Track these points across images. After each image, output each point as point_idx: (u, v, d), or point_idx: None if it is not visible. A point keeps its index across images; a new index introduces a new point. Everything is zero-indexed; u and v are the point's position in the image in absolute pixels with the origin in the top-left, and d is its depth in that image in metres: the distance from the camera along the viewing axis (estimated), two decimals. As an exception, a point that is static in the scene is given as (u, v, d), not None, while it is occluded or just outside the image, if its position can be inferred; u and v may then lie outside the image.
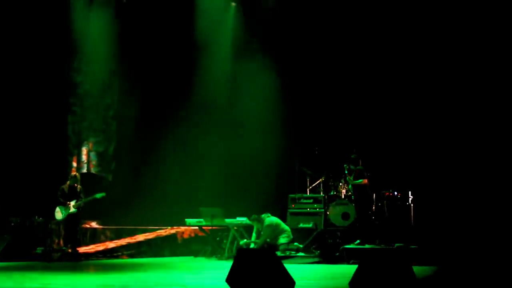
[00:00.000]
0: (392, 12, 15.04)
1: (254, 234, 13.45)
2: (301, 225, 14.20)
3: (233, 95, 16.62)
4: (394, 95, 15.16)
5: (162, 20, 16.51)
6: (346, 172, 13.38)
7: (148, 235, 14.62)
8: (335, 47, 15.73)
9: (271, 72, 16.00)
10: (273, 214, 13.58)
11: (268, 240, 13.18)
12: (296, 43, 16.10)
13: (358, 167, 12.97)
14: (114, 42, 16.59)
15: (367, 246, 12.39)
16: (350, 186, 13.53)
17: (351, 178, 13.06)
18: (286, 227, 13.48)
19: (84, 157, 16.84)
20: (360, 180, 12.89)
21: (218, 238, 14.06)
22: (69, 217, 13.21)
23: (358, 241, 12.72)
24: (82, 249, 13.66)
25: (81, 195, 13.40)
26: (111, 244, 14.21)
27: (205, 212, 13.61)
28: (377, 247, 12.25)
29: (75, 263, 12.55)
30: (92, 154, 16.93)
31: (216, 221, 13.57)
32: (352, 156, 13.15)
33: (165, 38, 16.62)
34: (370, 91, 15.45)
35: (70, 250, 13.12)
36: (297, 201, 14.56)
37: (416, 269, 6.95)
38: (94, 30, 16.49)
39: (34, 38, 15.50)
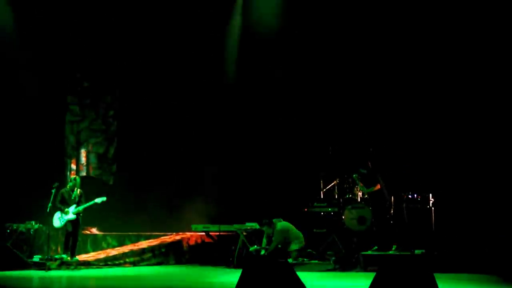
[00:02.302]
0: (412, 7, 15.17)
1: (264, 240, 13.54)
2: (314, 230, 14.33)
3: (243, 92, 16.77)
4: (412, 91, 15.16)
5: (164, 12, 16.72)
6: (357, 182, 13.63)
7: (152, 241, 14.69)
8: (351, 41, 15.80)
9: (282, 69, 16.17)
10: (285, 219, 13.69)
11: (279, 246, 13.27)
12: (307, 39, 16.20)
13: (367, 172, 13.16)
14: (115, 36, 16.80)
15: (385, 252, 12.50)
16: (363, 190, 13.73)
17: (363, 186, 13.31)
18: (299, 233, 13.57)
19: (83, 160, 17.00)
20: (371, 188, 13.17)
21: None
22: (68, 224, 13.45)
23: (375, 247, 12.83)
24: (82, 257, 13.83)
25: (82, 200, 13.60)
26: (112, 252, 14.32)
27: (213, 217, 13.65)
28: (396, 253, 12.35)
29: (74, 271, 12.75)
30: (92, 156, 17.07)
31: (224, 227, 13.72)
32: (362, 171, 13.36)
33: (171, 33, 16.81)
34: (387, 87, 15.47)
35: (69, 258, 13.32)
36: (310, 205, 14.69)
37: (437, 276, 7.01)
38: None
39: (29, 30, 15.70)
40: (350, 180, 14.52)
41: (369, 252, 12.59)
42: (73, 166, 16.97)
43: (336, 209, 14.42)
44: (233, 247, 13.86)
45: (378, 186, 13.03)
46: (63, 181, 14.69)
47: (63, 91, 16.95)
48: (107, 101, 17.33)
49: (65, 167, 16.86)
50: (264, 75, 16.36)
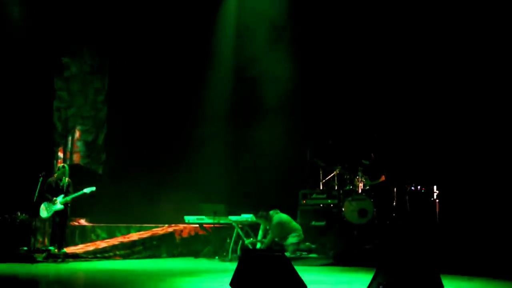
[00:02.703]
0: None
1: (260, 233, 13.47)
2: (313, 223, 14.24)
3: (239, 83, 16.72)
4: (416, 80, 15.14)
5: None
6: (361, 175, 13.46)
7: (143, 233, 14.60)
8: (352, 32, 15.76)
9: (283, 60, 16.08)
10: (282, 211, 13.55)
11: (276, 239, 13.19)
12: (311, 31, 16.13)
13: (370, 163, 13.02)
14: (105, 20, 16.57)
15: (387, 246, 12.32)
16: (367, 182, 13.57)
17: (368, 178, 13.23)
18: (297, 225, 13.48)
19: (71, 147, 16.79)
20: (376, 181, 13.12)
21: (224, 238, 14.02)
22: (55, 214, 13.23)
23: (377, 241, 12.65)
24: (70, 249, 13.64)
25: (70, 189, 13.42)
26: (102, 244, 14.19)
27: (207, 209, 13.61)
28: (398, 247, 12.18)
29: (62, 264, 12.50)
30: (80, 143, 16.88)
31: (218, 219, 13.53)
32: (364, 162, 13.27)
33: (168, 17, 16.68)
34: (389, 76, 15.43)
35: (56, 250, 13.12)
36: (308, 196, 14.61)
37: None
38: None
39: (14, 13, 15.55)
40: (348, 172, 14.37)
41: (370, 246, 12.38)
42: (60, 154, 16.84)
43: (335, 201, 14.29)
44: (228, 240, 13.77)
45: (383, 178, 12.90)
46: (50, 170, 14.48)
47: (50, 76, 16.73)
48: (96, 86, 17.09)
49: (53, 156, 16.70)
50: (263, 61, 16.22)
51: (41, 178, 13.05)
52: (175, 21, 16.77)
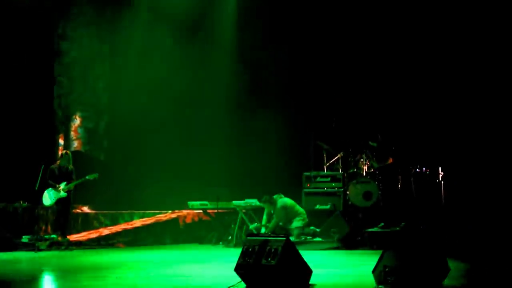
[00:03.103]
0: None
1: (265, 218, 13.41)
2: (317, 206, 14.18)
3: (240, 65, 16.62)
4: (420, 60, 15.02)
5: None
6: (369, 157, 13.41)
7: (146, 220, 14.55)
8: (357, 13, 15.69)
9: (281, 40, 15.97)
10: (286, 195, 13.50)
11: (281, 223, 13.14)
12: (313, 11, 16.02)
13: (378, 144, 12.88)
14: (104, 3, 16.46)
15: (392, 229, 12.26)
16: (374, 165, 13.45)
17: (375, 161, 13.06)
18: (301, 209, 13.43)
19: (72, 134, 16.73)
20: (385, 163, 12.87)
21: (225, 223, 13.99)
22: (58, 202, 13.19)
23: (382, 224, 12.61)
24: (73, 237, 13.62)
25: (73, 176, 13.35)
26: (105, 231, 14.18)
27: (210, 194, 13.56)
28: (403, 230, 12.12)
29: (66, 252, 12.48)
30: (81, 130, 16.77)
31: (222, 204, 13.49)
32: (372, 144, 13.09)
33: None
34: (394, 56, 15.35)
35: (60, 238, 13.09)
36: (312, 179, 14.53)
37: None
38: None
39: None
40: (353, 154, 14.28)
41: (375, 229, 12.35)
42: (61, 142, 16.71)
43: (340, 184, 14.20)
44: (232, 225, 13.69)
45: (391, 160, 12.74)
46: (51, 157, 14.43)
47: (50, 63, 16.61)
48: (97, 72, 16.95)
49: (54, 143, 16.63)
50: (267, 43, 16.15)
51: (43, 166, 12.96)
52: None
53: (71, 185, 13.24)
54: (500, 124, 14.19)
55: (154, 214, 14.80)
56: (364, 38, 15.62)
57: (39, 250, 12.44)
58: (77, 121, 16.77)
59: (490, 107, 14.32)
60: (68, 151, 14.04)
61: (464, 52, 14.70)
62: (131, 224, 14.44)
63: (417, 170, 13.51)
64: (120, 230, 14.19)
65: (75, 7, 16.56)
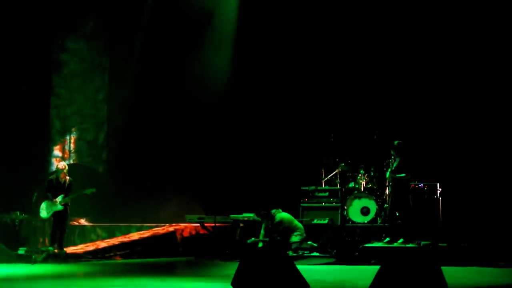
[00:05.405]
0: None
1: (262, 232, 13.43)
2: (315, 221, 14.18)
3: (237, 77, 16.67)
4: (418, 77, 15.12)
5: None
6: (363, 171, 13.45)
7: (144, 233, 14.58)
8: (355, 23, 15.76)
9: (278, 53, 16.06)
10: (284, 209, 13.57)
11: (278, 238, 13.16)
12: (309, 22, 16.11)
13: (399, 155, 12.73)
14: (104, 15, 16.61)
15: (389, 245, 12.36)
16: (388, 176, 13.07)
17: (392, 169, 12.67)
18: (299, 224, 13.48)
19: (71, 146, 16.80)
20: (402, 175, 12.54)
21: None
22: (55, 214, 13.26)
23: (388, 238, 12.61)
24: (70, 249, 13.68)
25: (71, 188, 13.39)
26: (102, 244, 14.20)
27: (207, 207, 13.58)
28: (400, 246, 12.20)
29: (62, 265, 12.54)
30: (80, 142, 16.88)
31: (220, 218, 13.60)
32: (396, 143, 12.76)
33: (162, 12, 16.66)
34: (393, 71, 15.41)
35: (56, 251, 13.14)
36: (310, 194, 14.58)
37: (445, 270, 6.94)
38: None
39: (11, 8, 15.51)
40: (351, 169, 14.34)
41: (373, 245, 12.45)
42: (59, 153, 16.74)
43: (338, 199, 14.27)
44: (230, 239, 13.72)
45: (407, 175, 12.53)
46: (46, 167, 14.47)
47: (48, 72, 16.71)
48: (96, 84, 17.04)
49: (51, 155, 16.63)
50: (264, 60, 16.23)
51: (40, 177, 13.04)
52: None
53: (68, 199, 13.28)
54: (499, 140, 14.27)
55: (152, 227, 14.82)
56: (361, 51, 15.67)
57: (36, 262, 12.47)
58: (76, 133, 16.88)
59: (489, 123, 14.40)
60: (65, 164, 14.05)
61: (460, 66, 14.78)
62: (128, 237, 14.45)
63: (415, 185, 13.43)
64: (117, 243, 14.19)
65: (76, 19, 16.69)
